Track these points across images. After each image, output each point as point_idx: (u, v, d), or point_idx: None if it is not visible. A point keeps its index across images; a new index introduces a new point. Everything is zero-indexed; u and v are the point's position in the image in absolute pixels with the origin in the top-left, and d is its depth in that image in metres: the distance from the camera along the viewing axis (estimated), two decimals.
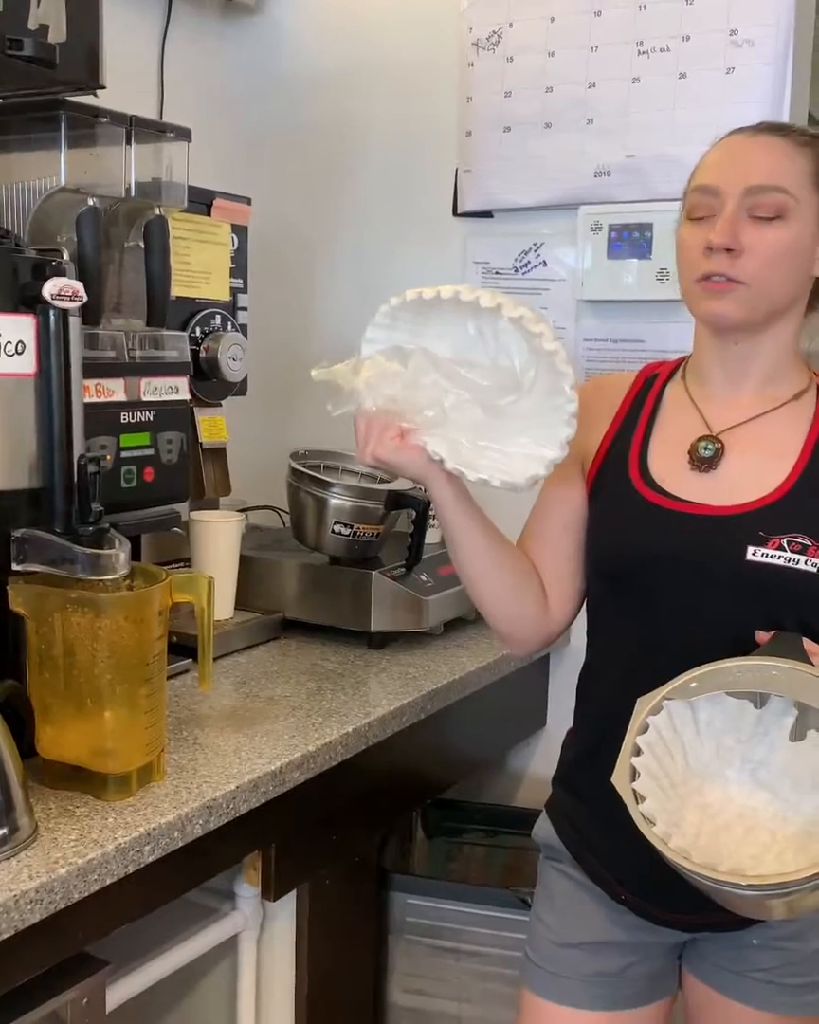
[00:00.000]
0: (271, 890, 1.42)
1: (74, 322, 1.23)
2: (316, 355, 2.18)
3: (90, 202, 1.41)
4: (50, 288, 1.18)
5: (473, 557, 1.24)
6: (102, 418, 1.41)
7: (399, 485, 1.87)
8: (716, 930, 1.20)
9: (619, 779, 1.03)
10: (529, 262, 2.01)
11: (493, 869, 1.96)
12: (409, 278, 2.14)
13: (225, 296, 1.80)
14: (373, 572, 1.75)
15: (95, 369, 1.38)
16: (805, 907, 1.01)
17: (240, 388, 1.82)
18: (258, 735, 1.38)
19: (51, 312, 1.20)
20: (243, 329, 1.83)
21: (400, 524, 1.86)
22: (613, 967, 1.25)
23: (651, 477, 1.19)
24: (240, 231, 1.82)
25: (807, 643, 1.07)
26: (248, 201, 1.83)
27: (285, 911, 1.49)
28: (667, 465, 1.19)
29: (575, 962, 1.26)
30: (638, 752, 1.04)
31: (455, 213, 2.07)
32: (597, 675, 1.26)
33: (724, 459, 1.17)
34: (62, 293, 1.19)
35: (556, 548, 1.28)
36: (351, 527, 1.79)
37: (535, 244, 2.00)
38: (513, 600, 1.26)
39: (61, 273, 1.21)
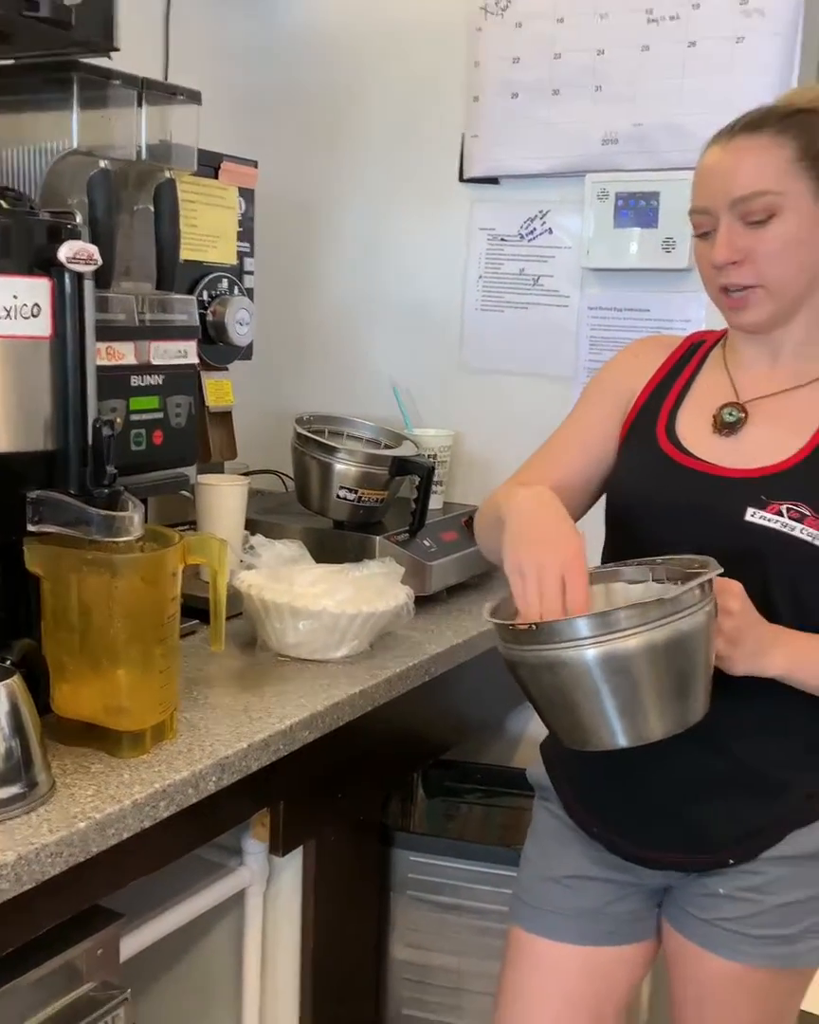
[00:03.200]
0: (279, 846, 1.45)
1: (88, 285, 1.23)
2: (320, 320, 2.24)
3: (102, 165, 1.42)
4: (65, 251, 1.18)
5: None
6: (113, 381, 1.42)
7: (404, 451, 1.89)
8: (682, 870, 1.25)
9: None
10: (535, 229, 2.02)
11: (491, 828, 2.00)
12: (414, 244, 2.17)
13: (232, 260, 1.80)
14: (377, 537, 1.77)
15: (106, 332, 1.38)
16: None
17: (246, 352, 1.83)
18: (268, 695, 1.40)
19: (66, 275, 1.20)
20: (249, 293, 1.84)
21: (404, 490, 1.88)
22: (592, 903, 1.30)
23: (676, 435, 1.25)
24: (247, 194, 1.83)
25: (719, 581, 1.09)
26: (255, 164, 1.83)
27: (291, 867, 1.52)
28: (693, 426, 1.26)
29: (557, 896, 1.32)
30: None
31: (461, 179, 2.06)
32: None
33: (746, 427, 1.23)
34: (77, 256, 1.19)
35: (582, 480, 1.32)
36: (356, 492, 1.80)
37: (541, 211, 2.00)
38: None
39: (76, 236, 1.21)
